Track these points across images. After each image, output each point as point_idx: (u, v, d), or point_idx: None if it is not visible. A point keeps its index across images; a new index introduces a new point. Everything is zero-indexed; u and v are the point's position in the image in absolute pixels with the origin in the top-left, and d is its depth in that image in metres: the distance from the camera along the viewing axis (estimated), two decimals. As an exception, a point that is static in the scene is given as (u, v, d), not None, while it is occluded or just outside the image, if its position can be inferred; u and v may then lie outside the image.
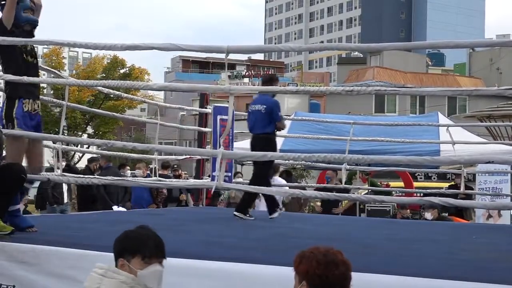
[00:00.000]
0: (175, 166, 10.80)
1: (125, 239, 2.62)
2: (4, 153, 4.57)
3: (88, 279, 2.60)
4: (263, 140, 6.53)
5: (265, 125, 6.56)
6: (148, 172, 10.74)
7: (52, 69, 7.16)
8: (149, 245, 2.59)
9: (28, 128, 4.60)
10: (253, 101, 6.93)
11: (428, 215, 8.90)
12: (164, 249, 2.65)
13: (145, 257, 2.57)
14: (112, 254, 2.65)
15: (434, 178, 18.81)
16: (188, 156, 9.00)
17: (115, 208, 9.45)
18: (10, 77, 4.61)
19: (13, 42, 4.59)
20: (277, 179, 10.03)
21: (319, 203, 11.00)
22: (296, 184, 9.83)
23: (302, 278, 2.37)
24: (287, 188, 8.65)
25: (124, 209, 9.48)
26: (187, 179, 10.46)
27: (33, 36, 4.74)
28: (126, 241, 2.61)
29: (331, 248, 2.45)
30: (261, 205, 10.17)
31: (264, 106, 6.57)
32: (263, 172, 6.57)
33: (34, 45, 4.77)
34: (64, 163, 9.98)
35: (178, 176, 10.44)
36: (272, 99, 6.70)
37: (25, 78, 4.56)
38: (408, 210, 10.43)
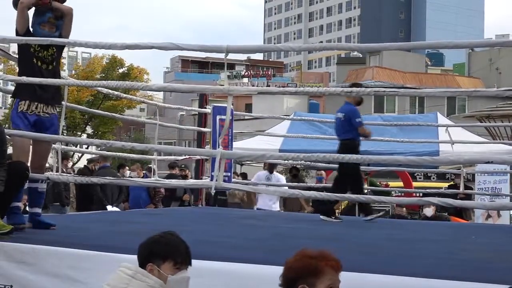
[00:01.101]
0: (183, 166, 10.83)
1: (155, 243, 2.58)
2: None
3: (115, 278, 2.55)
4: (344, 145, 6.86)
5: (345, 132, 6.97)
6: (146, 172, 10.75)
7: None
8: (181, 251, 2.59)
9: (25, 127, 4.60)
10: (338, 109, 7.40)
11: (429, 210, 8.92)
12: (191, 256, 2.65)
13: (177, 263, 2.56)
14: (112, 255, 2.64)
15: (433, 178, 18.85)
16: (188, 156, 9.00)
17: (109, 208, 9.45)
18: (9, 77, 4.64)
19: (12, 40, 4.62)
20: (275, 174, 10.06)
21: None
22: (295, 184, 9.83)
23: None
24: (286, 188, 8.66)
25: (117, 209, 9.49)
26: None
27: (52, 49, 4.75)
28: (157, 246, 2.57)
29: (300, 250, 2.46)
30: (261, 204, 10.19)
31: (343, 114, 7.01)
32: (344, 178, 6.92)
33: (53, 53, 4.77)
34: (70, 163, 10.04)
35: (185, 176, 10.45)
36: (351, 106, 7.08)
37: (24, 79, 4.57)
38: (404, 209, 10.43)
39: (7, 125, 4.64)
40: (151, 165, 10.93)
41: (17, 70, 4.90)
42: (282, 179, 10.22)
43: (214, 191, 4.56)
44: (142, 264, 2.57)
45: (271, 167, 9.99)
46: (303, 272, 2.35)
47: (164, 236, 2.62)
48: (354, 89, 4.67)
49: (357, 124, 6.92)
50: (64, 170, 9.58)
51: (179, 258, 2.57)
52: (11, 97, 4.81)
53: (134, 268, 2.55)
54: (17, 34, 4.74)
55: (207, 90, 7.27)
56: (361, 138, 7.07)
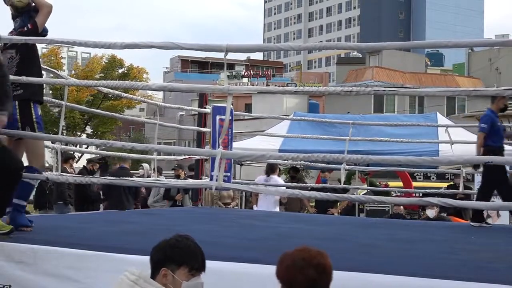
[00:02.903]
0: (176, 166, 10.85)
1: (171, 248, 2.50)
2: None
3: (118, 284, 2.50)
4: (486, 151, 6.78)
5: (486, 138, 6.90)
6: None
7: (52, 69, 7.13)
8: (197, 257, 2.52)
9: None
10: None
11: (432, 212, 8.91)
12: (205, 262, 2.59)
13: (192, 269, 2.49)
14: (111, 255, 2.63)
15: (433, 178, 18.85)
16: (187, 156, 9.00)
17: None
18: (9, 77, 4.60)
19: (13, 40, 4.61)
20: (273, 177, 10.03)
21: (312, 204, 10.99)
22: (295, 184, 9.82)
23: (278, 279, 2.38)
24: (285, 188, 8.64)
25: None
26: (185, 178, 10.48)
27: None
28: (173, 251, 2.49)
29: (309, 250, 2.39)
30: (263, 204, 10.16)
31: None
32: (490, 181, 6.90)
33: None
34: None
35: (178, 176, 10.51)
36: (488, 112, 7.00)
37: (24, 78, 4.55)
38: (402, 207, 10.43)
39: None
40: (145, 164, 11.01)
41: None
42: (280, 182, 10.22)
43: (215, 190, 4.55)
44: (156, 268, 2.50)
45: (268, 170, 9.88)
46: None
47: (180, 240, 2.54)
48: (354, 88, 4.67)
49: (480, 128, 6.91)
50: (68, 170, 9.59)
51: (196, 264, 2.50)
52: (22, 98, 4.55)
53: (138, 273, 2.48)
54: (34, 31, 4.64)
55: (207, 89, 7.27)
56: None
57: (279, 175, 10.58)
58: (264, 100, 35.00)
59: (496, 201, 10.17)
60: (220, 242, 4.38)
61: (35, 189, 10.93)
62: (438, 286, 3.15)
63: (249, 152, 6.16)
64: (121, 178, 6.47)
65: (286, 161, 10.27)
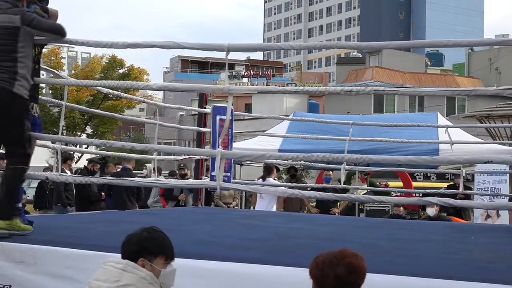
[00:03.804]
0: (182, 165, 10.83)
1: (146, 240, 2.66)
2: None
3: (104, 273, 2.59)
4: None
5: None
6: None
7: (52, 69, 7.13)
8: (169, 247, 2.70)
9: (35, 130, 4.63)
10: None
11: (432, 210, 8.91)
12: None
13: (167, 258, 2.68)
14: (112, 255, 2.64)
15: (433, 178, 18.84)
16: (187, 156, 8.99)
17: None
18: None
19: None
20: (269, 180, 10.00)
21: (313, 204, 10.98)
22: (295, 184, 9.82)
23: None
24: (284, 188, 8.64)
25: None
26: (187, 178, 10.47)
27: (38, 49, 4.78)
28: (148, 242, 2.65)
29: (344, 251, 2.41)
30: (260, 205, 10.17)
31: None
32: None
33: (39, 51, 4.79)
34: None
35: (184, 176, 10.50)
36: None
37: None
38: (401, 208, 10.42)
39: None
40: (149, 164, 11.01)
41: None
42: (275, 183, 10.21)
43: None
44: (133, 260, 2.61)
45: (264, 174, 9.78)
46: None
47: (152, 232, 2.71)
48: (354, 88, 4.67)
49: None
50: (67, 170, 9.58)
51: (169, 253, 2.69)
52: None
53: (124, 261, 2.60)
54: None
55: (208, 89, 7.28)
56: None
57: (279, 175, 10.59)
58: (264, 100, 34.99)
59: (496, 200, 10.20)
60: (220, 242, 4.38)
61: (35, 190, 11.01)
62: (438, 286, 3.15)
63: (249, 152, 6.15)
64: (121, 178, 6.47)
65: (286, 161, 10.27)
